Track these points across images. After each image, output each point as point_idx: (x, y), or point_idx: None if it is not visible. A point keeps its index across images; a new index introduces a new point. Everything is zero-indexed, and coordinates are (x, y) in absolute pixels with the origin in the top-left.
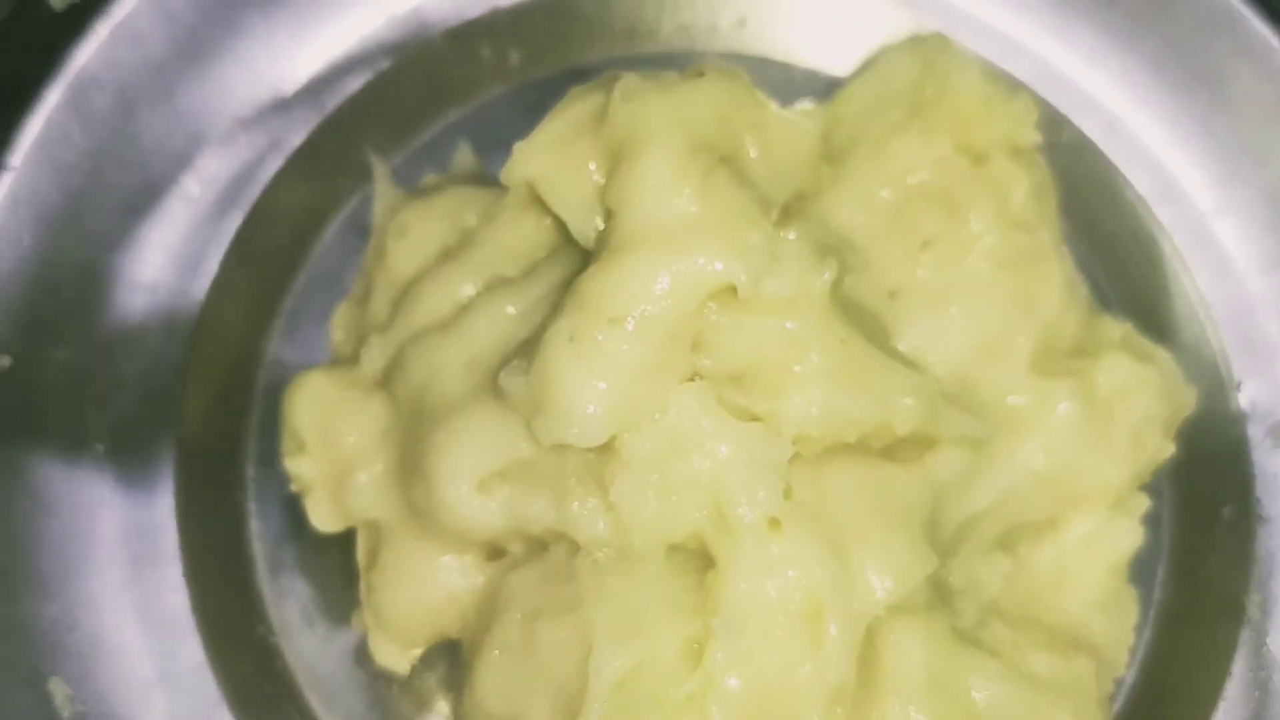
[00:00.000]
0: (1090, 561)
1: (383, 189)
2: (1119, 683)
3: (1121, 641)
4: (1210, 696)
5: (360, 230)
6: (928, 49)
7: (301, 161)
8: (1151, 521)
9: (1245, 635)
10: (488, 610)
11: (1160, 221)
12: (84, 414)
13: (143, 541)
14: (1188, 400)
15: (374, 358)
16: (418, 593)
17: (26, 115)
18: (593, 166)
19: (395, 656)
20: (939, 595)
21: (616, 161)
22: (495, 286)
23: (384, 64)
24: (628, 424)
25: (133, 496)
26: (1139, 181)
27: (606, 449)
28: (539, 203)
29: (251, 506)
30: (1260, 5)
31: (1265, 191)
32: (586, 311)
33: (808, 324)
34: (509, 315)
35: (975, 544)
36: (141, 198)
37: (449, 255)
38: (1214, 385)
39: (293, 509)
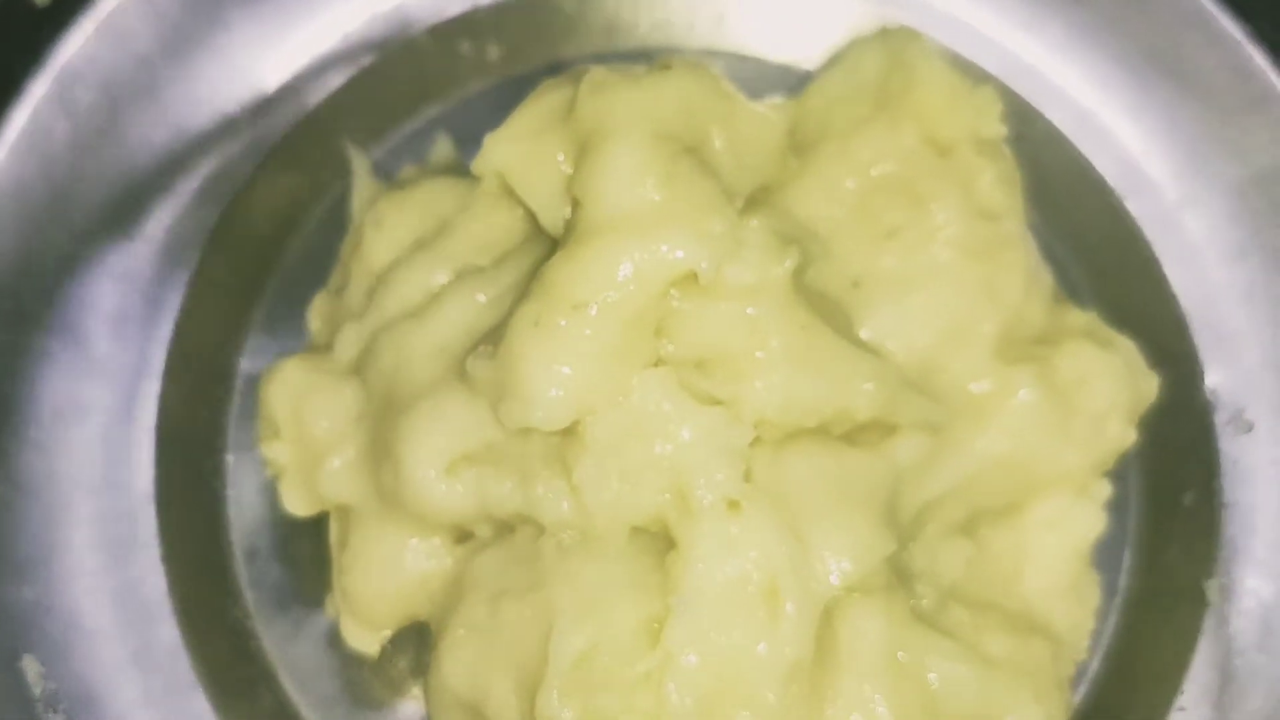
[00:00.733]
0: (1051, 546)
1: (361, 181)
2: (1081, 667)
3: (1082, 626)
4: (1173, 681)
5: (340, 223)
6: (895, 42)
7: (283, 155)
8: (1117, 508)
9: (1208, 621)
10: (455, 592)
11: (1129, 212)
12: (66, 401)
13: (120, 526)
14: (1150, 388)
15: (347, 345)
16: (387, 575)
17: (11, 109)
18: (561, 157)
19: (365, 638)
20: (898, 577)
21: (583, 152)
22: (466, 275)
23: (366, 60)
24: (591, 408)
25: (111, 482)
26: (1108, 173)
27: (570, 432)
28: (511, 194)
29: (229, 493)
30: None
31: (1232, 183)
32: (551, 297)
33: (769, 310)
34: (479, 303)
35: (936, 528)
36: (125, 191)
37: (423, 245)
38: (1180, 374)
39: (269, 495)
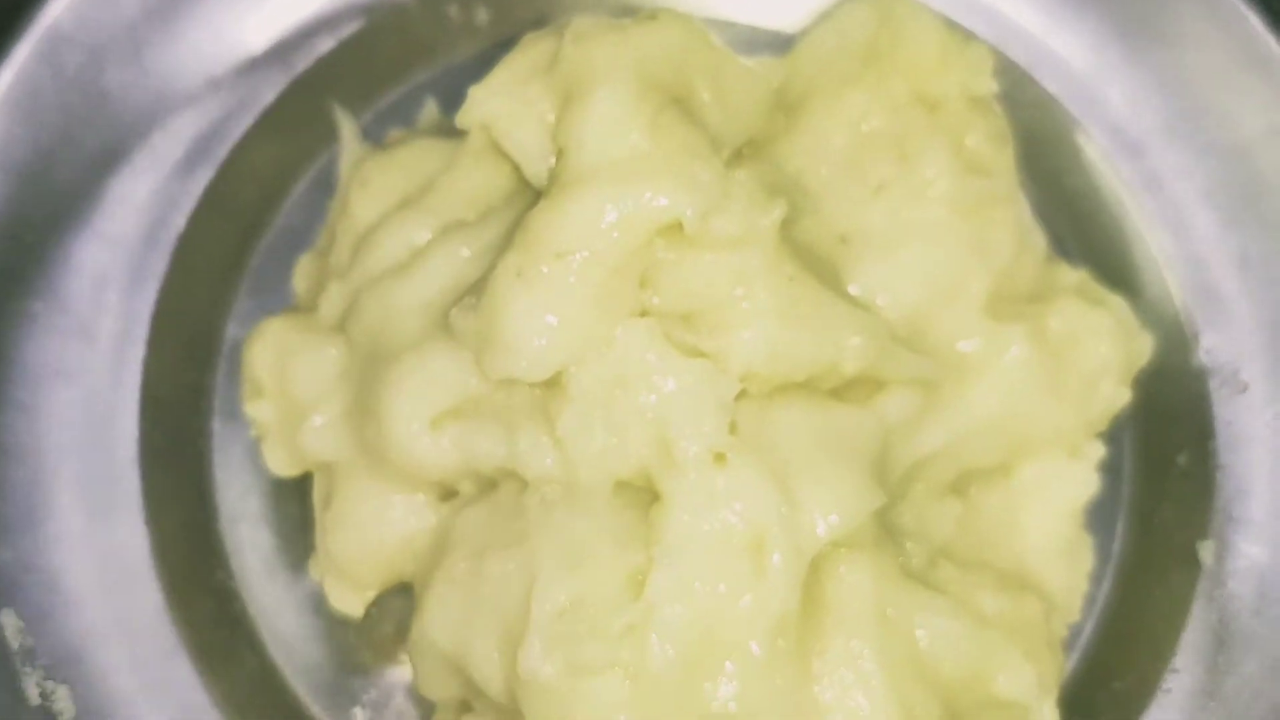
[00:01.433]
0: (1043, 507)
1: (348, 143)
2: (1074, 630)
3: (1075, 587)
4: (1168, 645)
5: (329, 187)
6: (885, 1)
7: (271, 120)
8: (1111, 471)
9: (1202, 584)
10: (439, 549)
11: (1122, 178)
12: (51, 364)
13: (104, 489)
14: (1143, 347)
15: (332, 303)
16: (370, 534)
17: None
18: (546, 109)
19: (349, 600)
20: (888, 535)
21: (567, 101)
22: (450, 230)
23: (354, 24)
24: (574, 358)
25: (96, 445)
26: (1101, 139)
27: (553, 384)
28: (497, 149)
29: (215, 456)
30: None
31: (1225, 150)
32: (533, 246)
33: (755, 262)
34: (463, 258)
35: (926, 486)
36: (111, 153)
37: (408, 203)
38: (1174, 337)
39: (255, 459)
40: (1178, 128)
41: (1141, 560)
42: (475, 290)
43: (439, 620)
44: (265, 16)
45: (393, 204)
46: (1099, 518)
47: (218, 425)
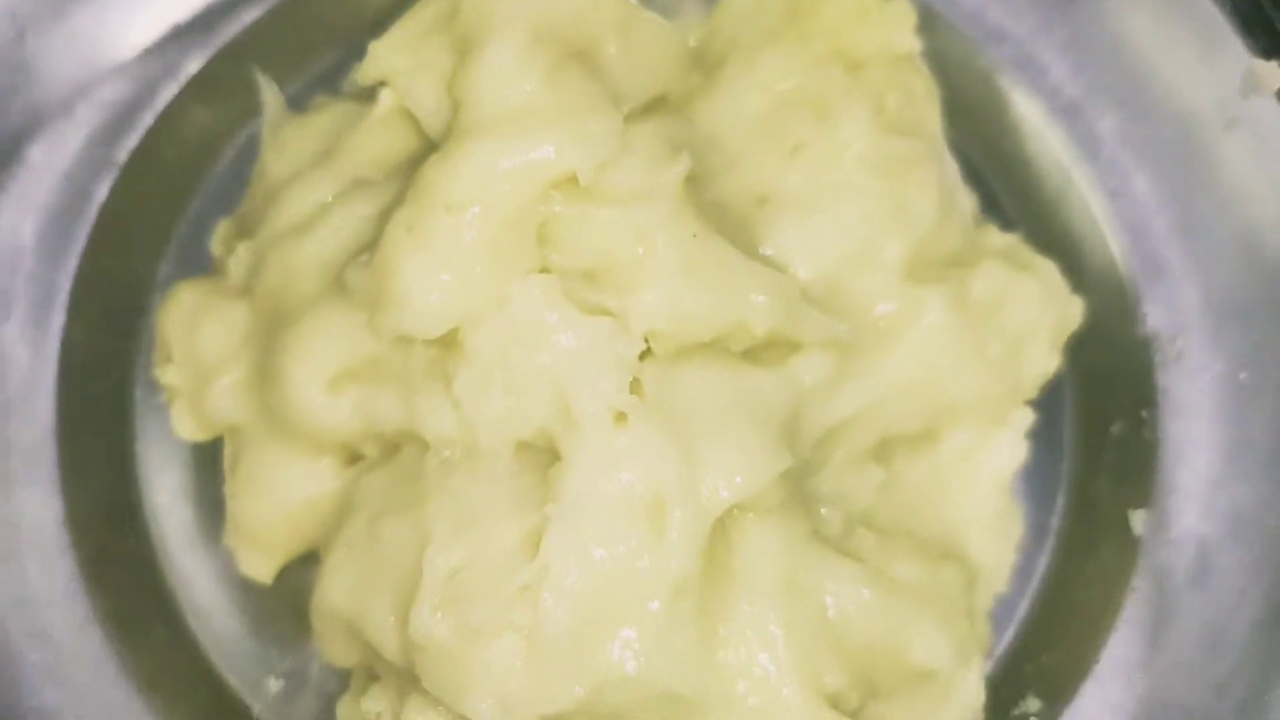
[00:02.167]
0: (969, 475)
1: (271, 109)
2: (1010, 605)
3: (1002, 558)
4: (1106, 616)
5: (253, 156)
6: None
7: (197, 87)
8: (1050, 441)
9: (1141, 557)
10: (341, 514)
11: (1060, 140)
12: None
13: (19, 458)
14: (1074, 312)
15: (240, 264)
16: (275, 499)
17: None
18: (446, 63)
19: (259, 565)
20: (801, 500)
21: (463, 55)
22: (353, 189)
23: None
24: (470, 317)
25: (12, 413)
26: (1043, 106)
27: (450, 343)
28: (404, 109)
29: (135, 426)
30: None
31: (1167, 118)
32: (424, 200)
33: (658, 218)
34: (364, 217)
35: (847, 452)
36: (34, 122)
37: (317, 163)
38: (1112, 303)
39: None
40: (1120, 96)
41: (1079, 532)
42: (371, 248)
43: (337, 585)
44: None
45: (305, 163)
46: (1037, 488)
47: (139, 395)
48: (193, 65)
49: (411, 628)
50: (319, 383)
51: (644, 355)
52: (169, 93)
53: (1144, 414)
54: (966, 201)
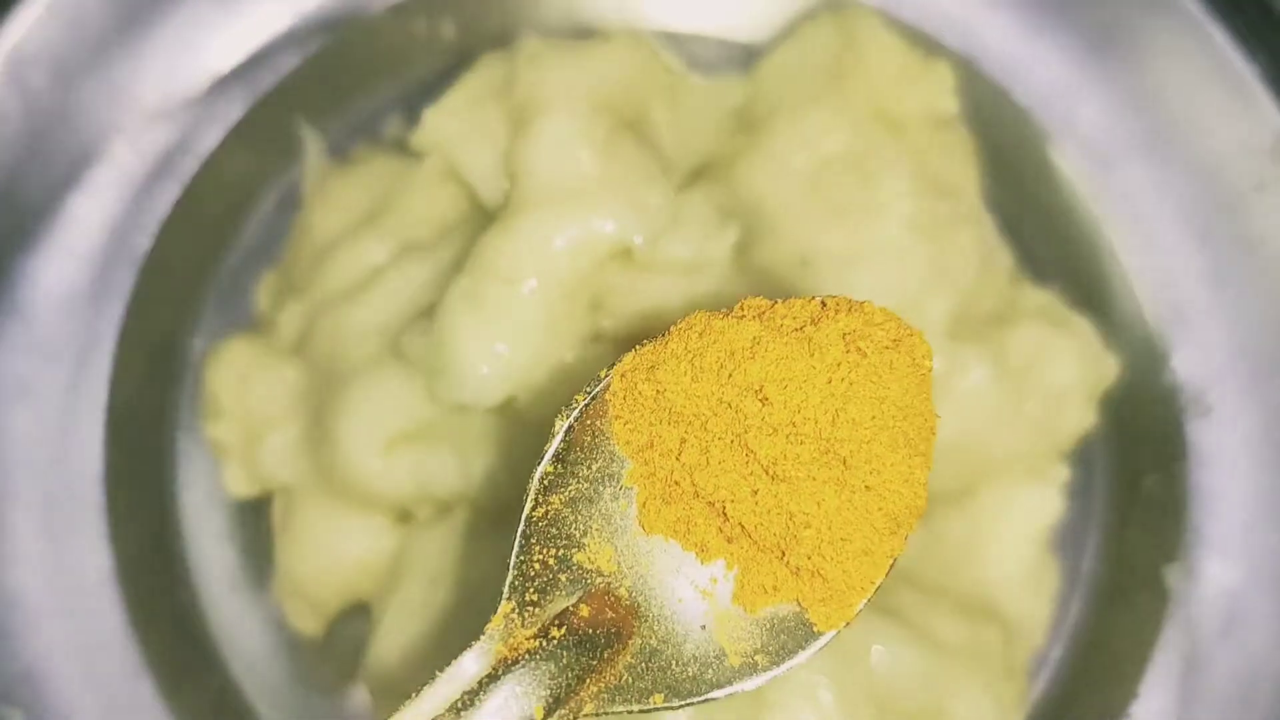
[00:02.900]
0: (1006, 531)
1: (312, 159)
2: (1042, 653)
3: (1038, 613)
4: (1136, 668)
5: (295, 203)
6: (847, 19)
7: (239, 135)
8: (1081, 492)
9: (1171, 607)
10: (394, 573)
11: (1092, 192)
12: (13, 381)
13: (66, 509)
14: (1108, 370)
15: (290, 322)
16: (327, 556)
17: None
18: (499, 132)
19: (308, 619)
20: None
21: (519, 125)
22: (406, 252)
23: (320, 40)
24: (526, 384)
25: (58, 464)
26: (1072, 153)
27: (506, 410)
28: (453, 169)
29: (179, 474)
30: None
31: (1196, 166)
32: (483, 272)
33: (707, 286)
34: (418, 281)
35: None
36: (77, 170)
37: (366, 221)
38: (1144, 356)
39: (219, 477)
40: (1149, 142)
41: (1111, 583)
42: (428, 314)
43: (393, 647)
44: (232, 32)
45: (352, 221)
46: (1069, 540)
47: (182, 442)
48: (233, 113)
49: None
50: (374, 446)
51: None
52: (209, 141)
53: (1176, 467)
54: (1003, 258)
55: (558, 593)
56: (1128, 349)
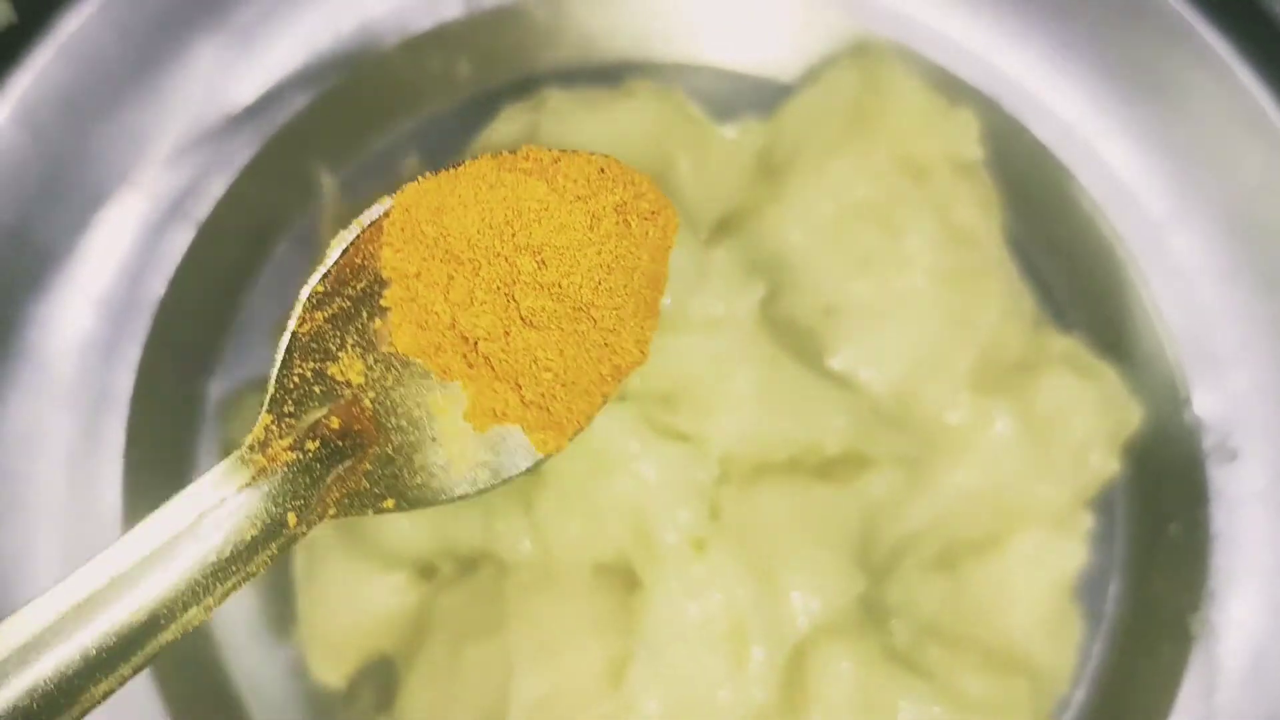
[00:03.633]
0: (1031, 581)
1: (329, 202)
2: (1065, 698)
3: (1063, 663)
4: (1159, 715)
5: (311, 245)
6: (870, 63)
7: (252, 176)
8: (1103, 537)
9: (1195, 653)
10: (418, 630)
11: (1115, 231)
12: (30, 428)
13: (86, 554)
14: (1133, 417)
15: None
16: (351, 610)
17: None
18: None
19: (331, 671)
20: (871, 615)
21: None
22: None
23: (333, 79)
24: None
25: (77, 510)
26: (1095, 190)
27: (531, 469)
28: None
29: None
30: (1215, 18)
31: (1220, 202)
32: None
33: (735, 344)
34: None
35: (912, 563)
36: (90, 213)
37: None
38: (1168, 399)
39: None
40: (1172, 182)
41: (1133, 629)
42: None
43: (420, 706)
44: (245, 72)
45: None
46: (1091, 585)
47: None
48: (246, 153)
49: None
50: None
51: (720, 477)
52: (223, 182)
53: (1199, 513)
54: (1027, 304)
55: (312, 405)
56: (1151, 393)
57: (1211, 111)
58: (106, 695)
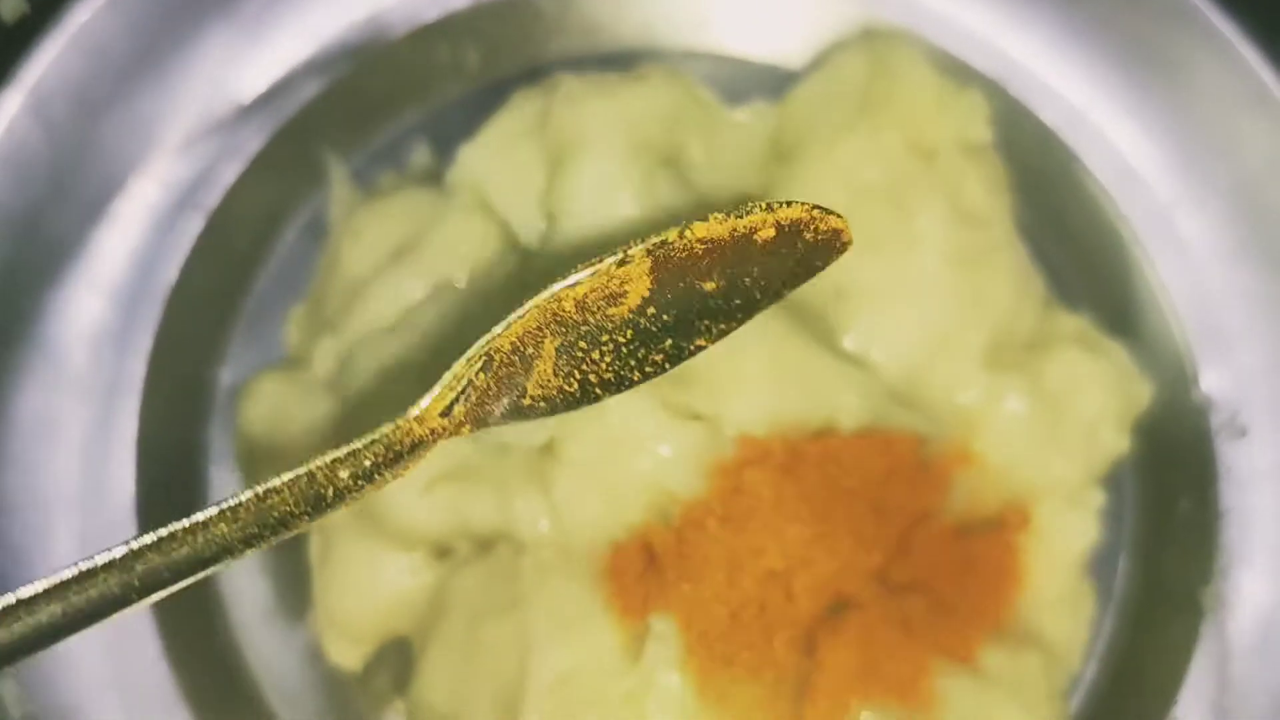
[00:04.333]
0: (1043, 558)
1: (339, 190)
2: (1076, 675)
3: (1075, 637)
4: (1171, 688)
5: (320, 232)
6: (878, 46)
7: (262, 165)
8: (1113, 514)
9: (1205, 628)
10: (435, 610)
11: (1122, 212)
12: (44, 417)
13: (101, 542)
14: (1142, 394)
15: (324, 359)
16: (366, 592)
17: None
18: (536, 171)
19: (347, 653)
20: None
21: (558, 166)
22: (441, 290)
23: (342, 68)
24: (567, 424)
25: (91, 498)
26: (1101, 173)
27: (548, 450)
28: (486, 205)
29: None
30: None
31: (1226, 182)
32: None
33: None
34: (456, 321)
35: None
36: (101, 204)
37: (398, 257)
38: (1176, 377)
39: None
40: (1179, 163)
41: (1144, 604)
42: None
43: (437, 686)
44: (253, 61)
45: (384, 255)
46: (1101, 561)
47: (214, 474)
48: (256, 142)
49: None
50: (414, 486)
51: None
52: (233, 171)
53: (1209, 489)
54: (1037, 284)
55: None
56: (1160, 371)
57: (1218, 93)
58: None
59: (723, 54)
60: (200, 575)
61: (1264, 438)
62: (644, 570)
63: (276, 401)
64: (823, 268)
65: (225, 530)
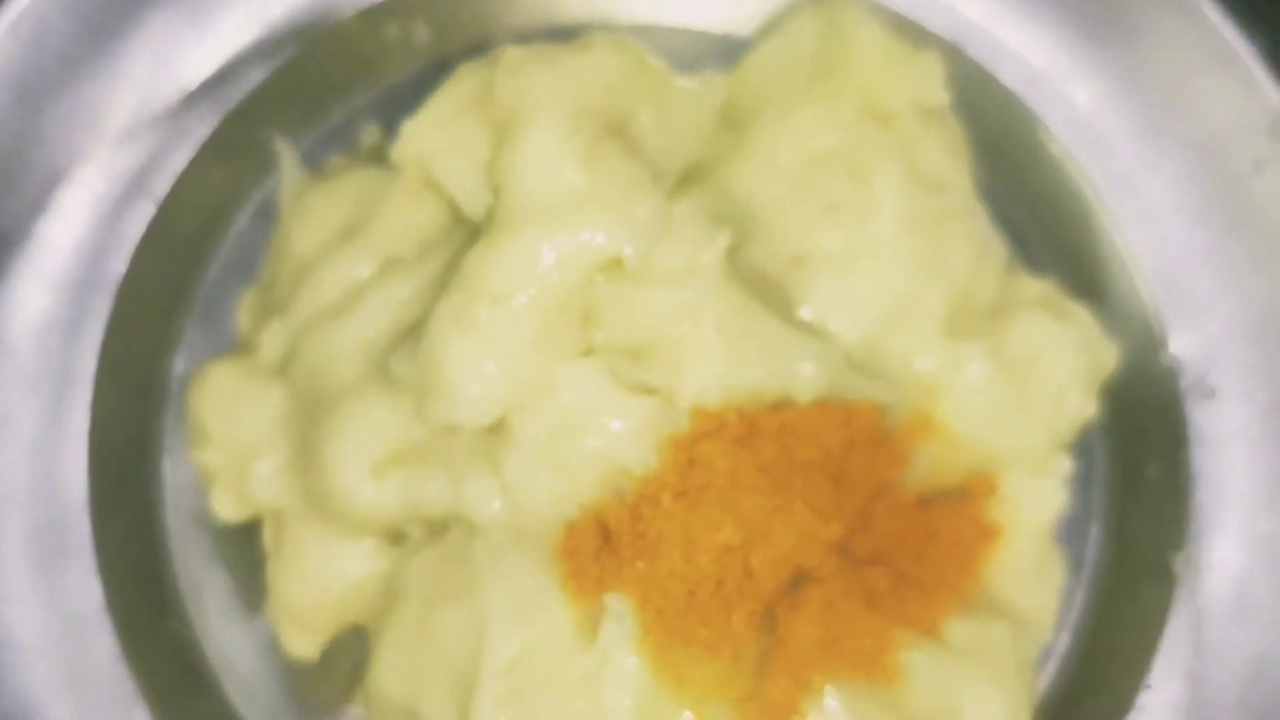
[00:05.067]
0: (1011, 527)
1: (289, 173)
2: (1049, 644)
3: (1046, 607)
4: (1145, 655)
5: (273, 217)
6: (831, 9)
7: (211, 150)
8: (1082, 481)
9: (1179, 593)
10: (389, 596)
11: (1087, 176)
12: None
13: (53, 538)
14: (1108, 358)
15: (273, 343)
16: (320, 580)
17: None
18: (481, 143)
19: (303, 644)
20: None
21: (502, 137)
22: (388, 269)
23: (290, 50)
24: (518, 402)
25: (42, 493)
26: (1064, 136)
27: (498, 429)
28: (433, 181)
29: (165, 498)
30: None
31: (1191, 144)
32: (471, 290)
33: (702, 294)
34: (401, 298)
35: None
36: (48, 193)
37: (345, 237)
38: (1143, 340)
39: (207, 500)
40: (1142, 124)
41: (1115, 571)
42: (414, 335)
43: (391, 671)
44: (199, 46)
45: (331, 236)
46: (1071, 529)
47: (168, 466)
48: (204, 128)
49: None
50: (364, 468)
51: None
52: (181, 158)
53: (1179, 452)
54: (998, 249)
55: None
56: (1127, 335)
57: (1179, 52)
58: None
59: (674, 25)
60: None
61: (1233, 398)
62: (599, 548)
63: (226, 389)
64: None
65: None
